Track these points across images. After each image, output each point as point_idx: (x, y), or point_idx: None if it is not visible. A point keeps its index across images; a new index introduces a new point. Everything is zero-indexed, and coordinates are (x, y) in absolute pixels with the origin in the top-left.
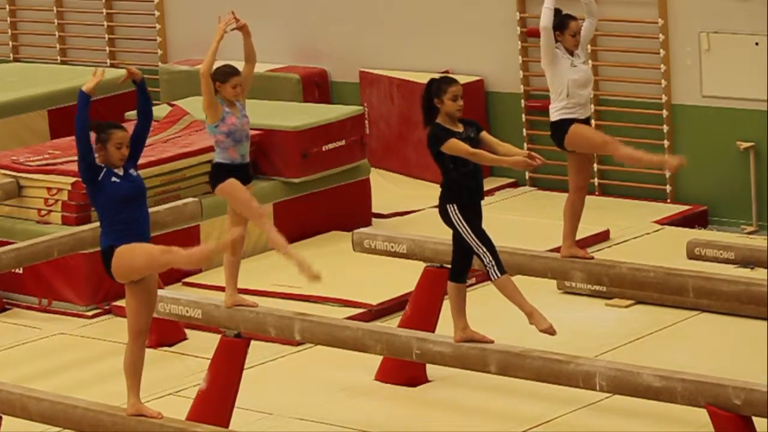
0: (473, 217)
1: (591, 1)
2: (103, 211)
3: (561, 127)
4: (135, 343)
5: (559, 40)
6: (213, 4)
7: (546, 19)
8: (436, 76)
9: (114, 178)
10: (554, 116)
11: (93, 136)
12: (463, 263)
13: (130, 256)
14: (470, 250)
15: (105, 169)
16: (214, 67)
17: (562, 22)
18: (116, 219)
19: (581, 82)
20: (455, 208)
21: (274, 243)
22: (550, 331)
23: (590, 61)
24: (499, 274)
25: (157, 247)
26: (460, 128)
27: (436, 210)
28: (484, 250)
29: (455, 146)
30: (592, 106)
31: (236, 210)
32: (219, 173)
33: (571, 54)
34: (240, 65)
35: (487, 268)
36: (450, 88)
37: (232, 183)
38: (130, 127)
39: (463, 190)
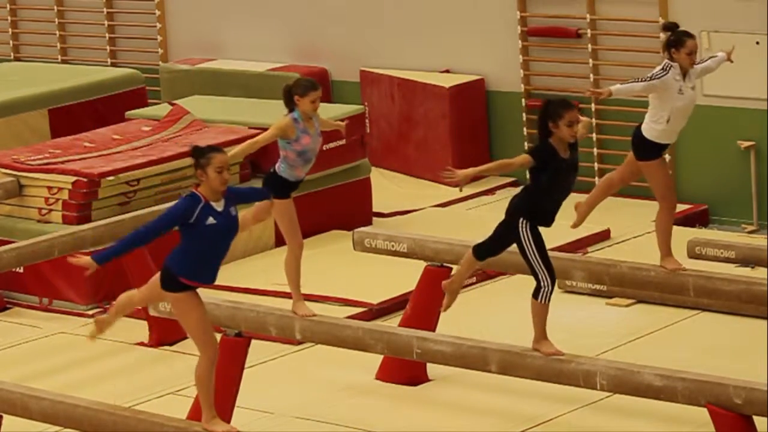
0: (539, 237)
1: (719, 60)
2: (189, 239)
3: (650, 150)
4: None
5: (674, 58)
6: (213, 4)
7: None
8: (554, 98)
9: (211, 219)
10: (648, 133)
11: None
12: (494, 251)
13: (183, 319)
14: (528, 264)
15: (201, 207)
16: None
17: (678, 39)
18: (197, 250)
19: (685, 111)
20: (527, 225)
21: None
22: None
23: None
24: (545, 301)
25: (200, 333)
26: (567, 154)
27: (436, 209)
28: (545, 274)
29: (519, 164)
30: (593, 105)
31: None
32: (279, 186)
33: (684, 75)
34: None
35: (542, 290)
36: (567, 114)
37: (287, 205)
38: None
39: (543, 214)
